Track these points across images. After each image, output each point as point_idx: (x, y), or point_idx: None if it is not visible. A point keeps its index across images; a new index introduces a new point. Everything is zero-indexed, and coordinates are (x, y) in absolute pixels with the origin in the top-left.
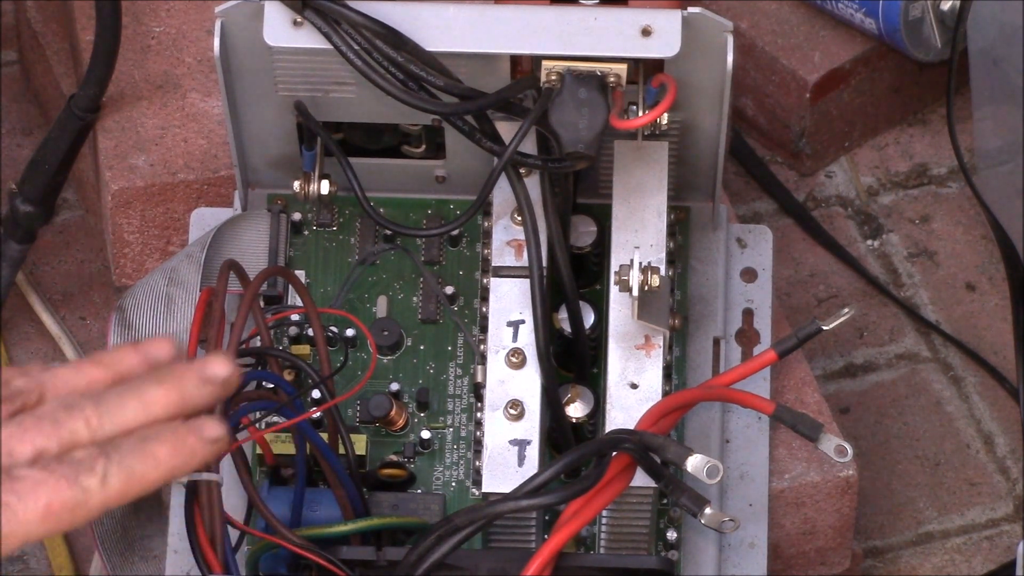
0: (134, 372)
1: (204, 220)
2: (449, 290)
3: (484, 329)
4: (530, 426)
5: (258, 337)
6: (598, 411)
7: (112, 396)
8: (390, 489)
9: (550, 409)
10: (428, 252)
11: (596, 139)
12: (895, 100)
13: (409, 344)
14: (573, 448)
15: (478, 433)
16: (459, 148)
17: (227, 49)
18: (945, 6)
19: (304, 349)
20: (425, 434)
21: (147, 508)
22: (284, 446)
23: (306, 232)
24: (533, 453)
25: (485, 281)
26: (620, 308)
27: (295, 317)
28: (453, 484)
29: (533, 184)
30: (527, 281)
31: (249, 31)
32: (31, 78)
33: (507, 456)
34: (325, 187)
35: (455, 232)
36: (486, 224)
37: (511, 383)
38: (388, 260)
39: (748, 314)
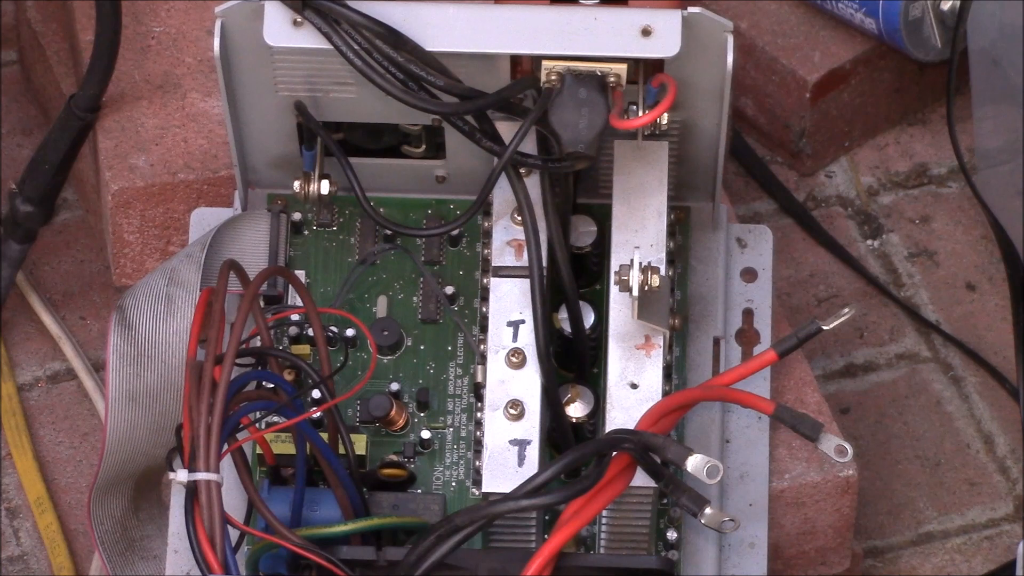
0: None
1: (204, 220)
2: (449, 290)
3: (484, 329)
4: (530, 426)
5: (258, 337)
6: (598, 411)
7: None
8: (390, 489)
9: (550, 409)
10: (428, 252)
11: (596, 139)
12: (895, 100)
13: (409, 344)
14: (573, 448)
15: (478, 433)
16: (459, 148)
17: (227, 49)
18: (945, 6)
19: (304, 349)
20: (425, 434)
21: (147, 508)
22: (284, 446)
23: (306, 232)
24: (533, 453)
25: (485, 281)
26: (620, 308)
27: (295, 317)
28: (453, 484)
29: (533, 184)
30: (527, 281)
31: (249, 31)
32: (31, 78)
33: (507, 456)
34: (325, 187)
35: (455, 232)
36: (486, 224)
37: (511, 383)
38: (388, 260)
39: (748, 314)
